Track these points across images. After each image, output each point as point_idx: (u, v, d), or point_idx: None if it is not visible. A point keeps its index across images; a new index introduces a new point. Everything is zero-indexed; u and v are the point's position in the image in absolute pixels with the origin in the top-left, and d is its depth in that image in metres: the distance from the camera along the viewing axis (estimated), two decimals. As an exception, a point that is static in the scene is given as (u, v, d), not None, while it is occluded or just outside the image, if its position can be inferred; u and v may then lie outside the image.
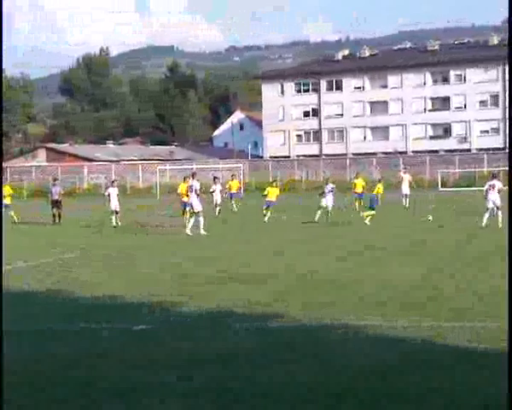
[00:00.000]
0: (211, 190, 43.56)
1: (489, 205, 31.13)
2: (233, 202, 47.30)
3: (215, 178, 45.18)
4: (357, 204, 44.71)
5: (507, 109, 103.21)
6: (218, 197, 43.36)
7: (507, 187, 33.47)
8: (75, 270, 19.92)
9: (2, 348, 7.73)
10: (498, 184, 32.15)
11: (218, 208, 42.74)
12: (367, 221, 33.76)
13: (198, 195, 31.33)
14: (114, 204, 36.64)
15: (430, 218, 34.61)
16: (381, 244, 25.28)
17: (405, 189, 48.83)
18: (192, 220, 30.85)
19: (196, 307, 13.91)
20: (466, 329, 11.68)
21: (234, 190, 48.16)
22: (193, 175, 33.10)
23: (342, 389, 8.76)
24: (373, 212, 34.57)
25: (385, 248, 24.25)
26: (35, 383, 9.26)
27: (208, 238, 28.94)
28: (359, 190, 46.26)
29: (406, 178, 49.78)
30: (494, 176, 33.07)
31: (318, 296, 15.00)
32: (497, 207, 31.18)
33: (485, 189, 32.10)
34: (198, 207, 30.99)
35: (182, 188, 35.67)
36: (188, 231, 30.36)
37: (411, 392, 8.63)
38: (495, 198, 31.08)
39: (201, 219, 30.76)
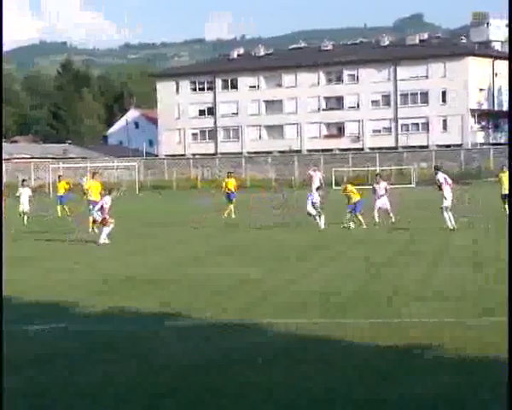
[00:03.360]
0: (17, 193, 38.00)
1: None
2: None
3: (23, 180, 39.08)
4: (231, 205, 41.88)
5: (398, 109, 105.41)
6: (25, 203, 37.36)
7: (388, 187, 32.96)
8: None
9: (2, 347, 7.60)
10: (384, 184, 32.79)
11: (25, 216, 36.86)
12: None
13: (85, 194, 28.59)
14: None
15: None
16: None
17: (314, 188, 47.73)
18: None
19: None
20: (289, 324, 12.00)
21: (232, 190, 41.10)
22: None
23: (160, 388, 8.83)
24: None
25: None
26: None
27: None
28: (230, 189, 43.15)
29: (317, 176, 49.08)
30: (381, 176, 34.46)
31: (146, 296, 15.05)
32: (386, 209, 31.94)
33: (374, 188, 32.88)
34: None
35: (92, 186, 31.48)
36: (101, 240, 26.54)
37: (229, 387, 8.83)
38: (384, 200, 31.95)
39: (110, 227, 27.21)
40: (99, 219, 27.27)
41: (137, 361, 10.11)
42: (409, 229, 28.44)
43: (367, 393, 8.53)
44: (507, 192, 34.28)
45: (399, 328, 11.68)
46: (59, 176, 48.74)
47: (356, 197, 30.87)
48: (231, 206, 39.72)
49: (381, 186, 32.52)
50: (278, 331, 11.67)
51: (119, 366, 9.90)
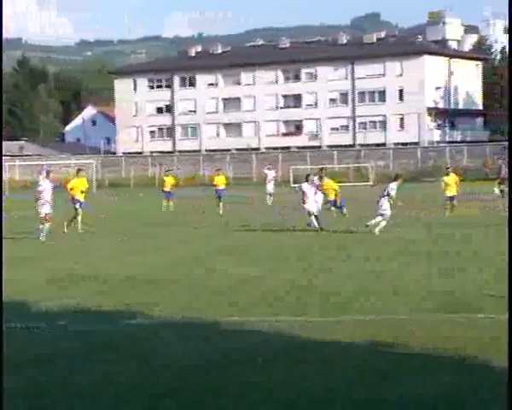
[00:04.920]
0: None
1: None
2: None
3: None
4: (165, 203, 42.52)
5: (356, 107, 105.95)
6: None
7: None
8: None
9: (2, 347, 7.55)
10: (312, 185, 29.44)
11: None
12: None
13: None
14: None
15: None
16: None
17: (270, 187, 47.30)
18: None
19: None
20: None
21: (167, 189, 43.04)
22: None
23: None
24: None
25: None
26: None
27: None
28: (168, 188, 43.54)
29: (271, 174, 48.48)
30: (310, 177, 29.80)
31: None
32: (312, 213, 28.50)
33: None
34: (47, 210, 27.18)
35: (77, 184, 30.11)
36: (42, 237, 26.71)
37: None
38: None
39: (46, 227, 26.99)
40: (43, 213, 26.93)
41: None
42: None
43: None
44: (451, 194, 34.54)
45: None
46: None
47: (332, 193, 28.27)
48: (220, 203, 39.80)
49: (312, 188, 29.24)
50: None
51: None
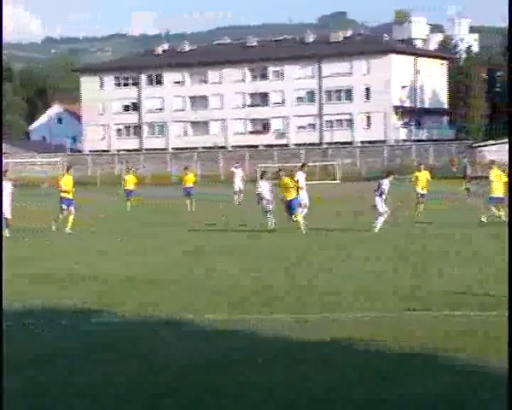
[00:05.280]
0: None
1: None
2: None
3: None
4: (129, 202, 42.28)
5: (323, 106, 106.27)
6: None
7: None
8: None
9: (2, 348, 7.59)
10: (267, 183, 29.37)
11: None
12: None
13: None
14: None
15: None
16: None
17: (238, 184, 46.83)
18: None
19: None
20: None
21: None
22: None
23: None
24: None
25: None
26: None
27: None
28: (130, 186, 43.47)
29: (239, 173, 48.17)
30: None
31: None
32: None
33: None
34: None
35: (65, 181, 30.09)
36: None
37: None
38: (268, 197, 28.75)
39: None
40: (9, 216, 26.85)
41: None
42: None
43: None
44: (422, 192, 34.51)
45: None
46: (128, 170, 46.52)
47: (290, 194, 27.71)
48: (191, 200, 41.00)
49: (262, 185, 29.27)
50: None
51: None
